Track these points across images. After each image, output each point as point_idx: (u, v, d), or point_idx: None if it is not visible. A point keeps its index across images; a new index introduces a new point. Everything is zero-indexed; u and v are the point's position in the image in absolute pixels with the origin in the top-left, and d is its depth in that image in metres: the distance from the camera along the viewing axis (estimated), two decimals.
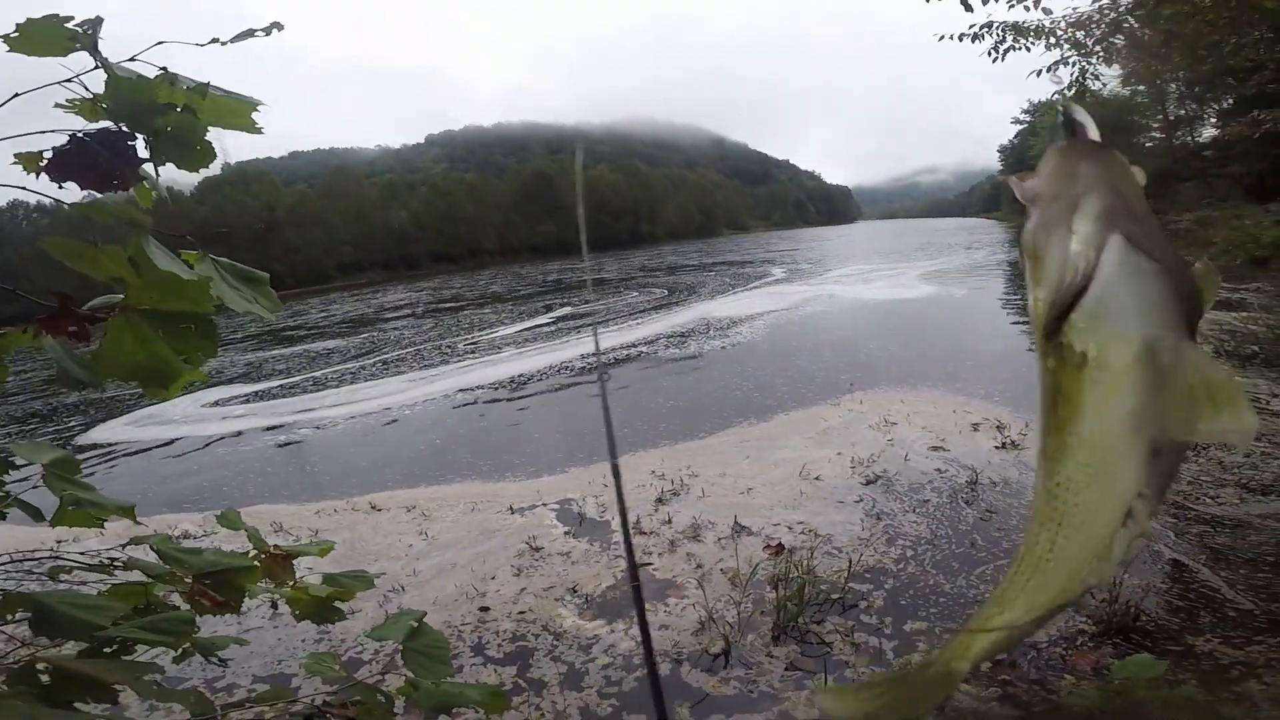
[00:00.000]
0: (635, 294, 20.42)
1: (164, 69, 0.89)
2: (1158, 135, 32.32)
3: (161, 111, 0.90)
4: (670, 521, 4.33)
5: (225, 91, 0.95)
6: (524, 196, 77.58)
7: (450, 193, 74.09)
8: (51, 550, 1.26)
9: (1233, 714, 2.19)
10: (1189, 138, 30.91)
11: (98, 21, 0.84)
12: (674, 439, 6.11)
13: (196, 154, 0.96)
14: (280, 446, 7.55)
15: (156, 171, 0.95)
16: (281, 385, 11.37)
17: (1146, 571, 3.26)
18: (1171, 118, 31.24)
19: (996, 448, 5.08)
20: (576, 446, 6.25)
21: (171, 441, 8.19)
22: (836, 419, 6.24)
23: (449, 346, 13.52)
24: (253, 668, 3.25)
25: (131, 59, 0.88)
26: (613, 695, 2.84)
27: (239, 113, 0.97)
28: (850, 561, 3.55)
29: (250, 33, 0.95)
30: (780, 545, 3.89)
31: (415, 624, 1.21)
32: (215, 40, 0.94)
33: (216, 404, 10.37)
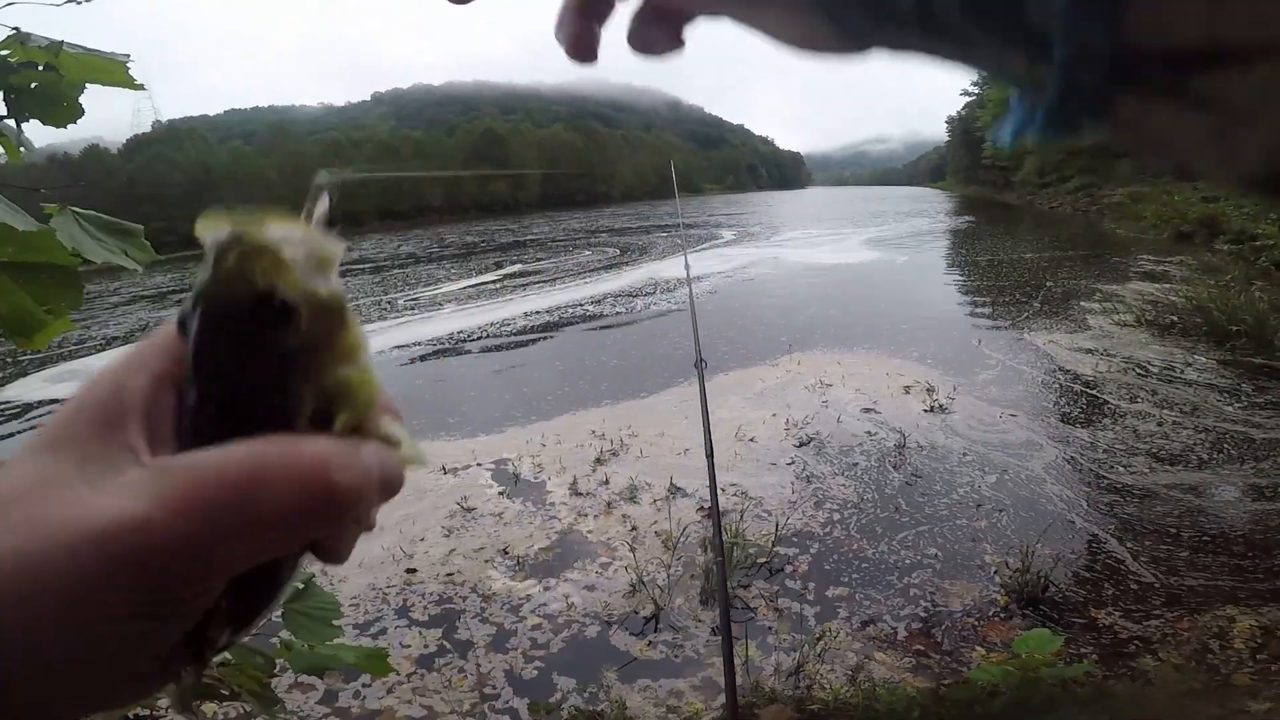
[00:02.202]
0: (588, 253, 20.18)
1: (16, 29, 0.89)
2: None
3: (14, 70, 0.91)
4: (608, 482, 4.33)
5: (87, 50, 0.95)
6: (474, 155, 75.28)
7: (397, 150, 71.39)
8: None
9: (1124, 691, 2.31)
10: None
11: None
12: (615, 398, 6.09)
13: (62, 110, 0.97)
14: None
15: (19, 126, 0.96)
16: None
17: (1058, 541, 3.41)
18: None
19: (925, 411, 5.23)
20: (514, 404, 6.17)
21: None
22: (774, 380, 6.32)
23: (388, 303, 13.11)
24: None
25: None
26: (538, 657, 2.84)
27: (110, 70, 0.98)
28: (778, 525, 3.61)
29: None
30: None
31: (301, 585, 1.15)
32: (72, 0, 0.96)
33: None
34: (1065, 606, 2.95)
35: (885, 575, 3.24)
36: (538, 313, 10.66)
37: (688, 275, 2.74)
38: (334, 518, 0.21)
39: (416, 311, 11.94)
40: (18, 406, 7.78)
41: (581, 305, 11.18)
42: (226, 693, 1.07)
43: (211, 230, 0.22)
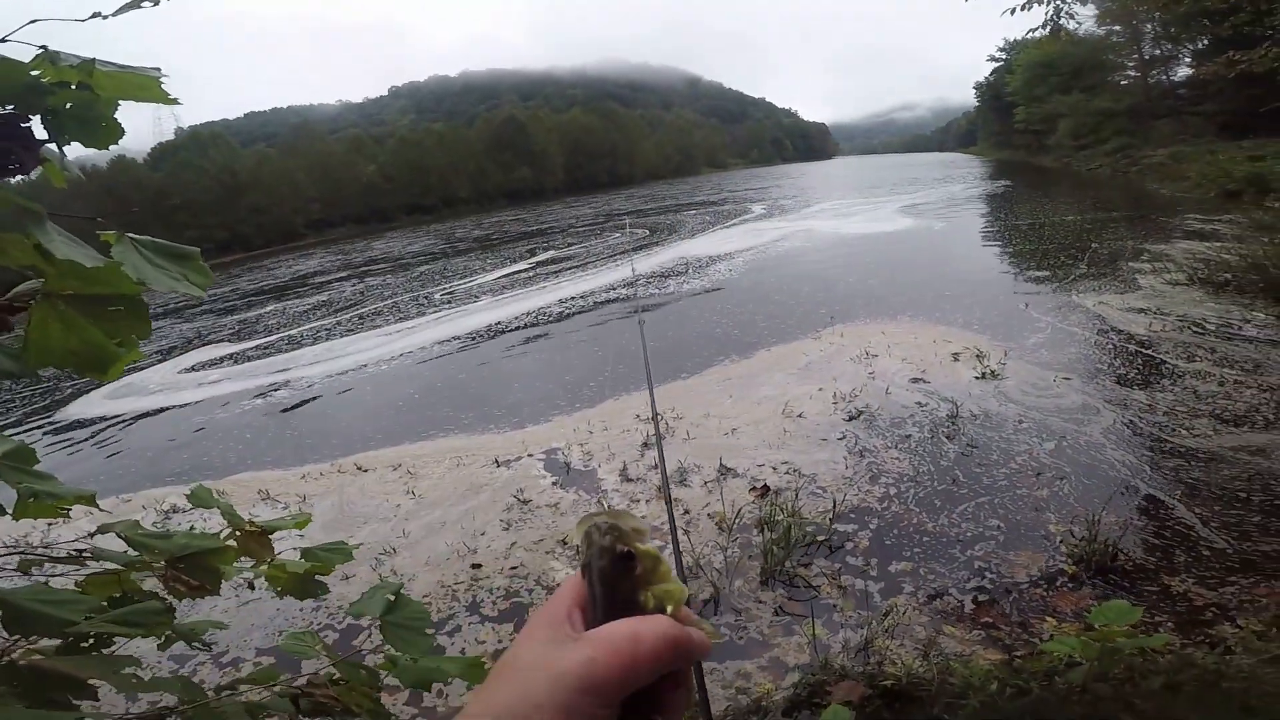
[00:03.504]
0: (617, 235, 20.15)
1: (44, 48, 0.85)
2: (1133, 74, 32.65)
3: (49, 91, 0.87)
4: (656, 467, 4.35)
5: (119, 66, 0.92)
6: (496, 144, 75.28)
7: (419, 143, 71.74)
8: (16, 544, 1.21)
9: (1207, 662, 2.25)
10: (1164, 77, 31.19)
11: None
12: (657, 381, 6.10)
13: (102, 130, 0.93)
14: (260, 411, 7.43)
15: (61, 150, 0.92)
16: (257, 346, 11.16)
17: (1124, 508, 3.33)
18: (1147, 57, 31.38)
19: (976, 378, 5.13)
20: (558, 394, 6.23)
21: (152, 413, 8.04)
22: (818, 353, 6.26)
23: (425, 298, 13.29)
24: (255, 640, 3.26)
25: (1, 40, 0.84)
26: None
27: (144, 85, 0.93)
28: (835, 502, 3.60)
29: (136, 3, 0.89)
30: (766, 487, 3.93)
31: (392, 597, 1.17)
32: (97, 14, 0.89)
33: (193, 369, 10.18)
34: (1136, 574, 2.89)
35: (948, 548, 3.21)
36: (572, 299, 10.71)
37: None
38: (678, 660, 0.39)
39: (453, 305, 12.10)
40: (85, 422, 8.13)
41: (614, 289, 11.19)
42: (340, 710, 1.11)
43: (591, 524, 0.43)
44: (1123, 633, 2.24)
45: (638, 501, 4.00)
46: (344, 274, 21.33)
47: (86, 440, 7.25)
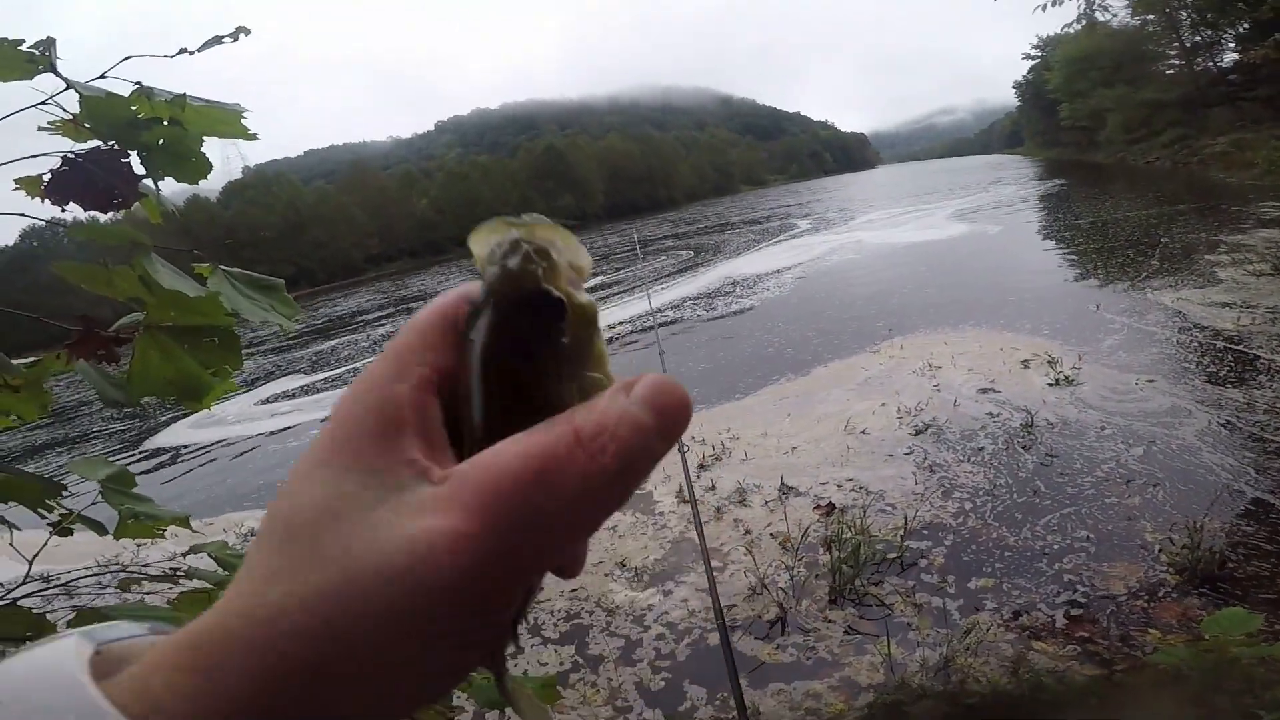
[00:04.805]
0: (662, 257, 20.21)
1: (139, 83, 0.88)
2: (1176, 63, 31.37)
3: (145, 126, 0.91)
4: (714, 488, 4.26)
5: (207, 101, 0.95)
6: (538, 173, 77.17)
7: (466, 176, 74.13)
8: (119, 563, 1.25)
9: None
10: (1210, 63, 29.81)
11: (50, 42, 0.84)
12: (710, 403, 6.01)
13: (191, 165, 0.97)
14: None
15: (157, 186, 0.96)
16: (325, 379, 11.56)
17: (1228, 513, 3.09)
18: (1188, 45, 30.15)
19: (1050, 385, 4.88)
20: None
21: (232, 441, 8.41)
22: (877, 367, 6.07)
23: None
24: None
25: (101, 76, 0.87)
26: (664, 668, 2.81)
27: (227, 121, 0.97)
28: (906, 518, 3.44)
29: (218, 39, 0.93)
30: (830, 505, 3.79)
31: None
32: (184, 50, 0.93)
33: (268, 401, 10.63)
34: (1248, 582, 2.66)
35: (1033, 562, 3.02)
36: (620, 323, 10.74)
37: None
38: (639, 477, 0.20)
39: None
40: (167, 449, 8.56)
41: (662, 312, 11.17)
42: None
43: (489, 238, 0.24)
44: (1240, 642, 2.05)
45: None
46: (393, 309, 21.95)
47: (171, 466, 7.66)
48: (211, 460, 7.79)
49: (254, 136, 1.00)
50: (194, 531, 1.26)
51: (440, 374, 0.23)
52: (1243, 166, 17.02)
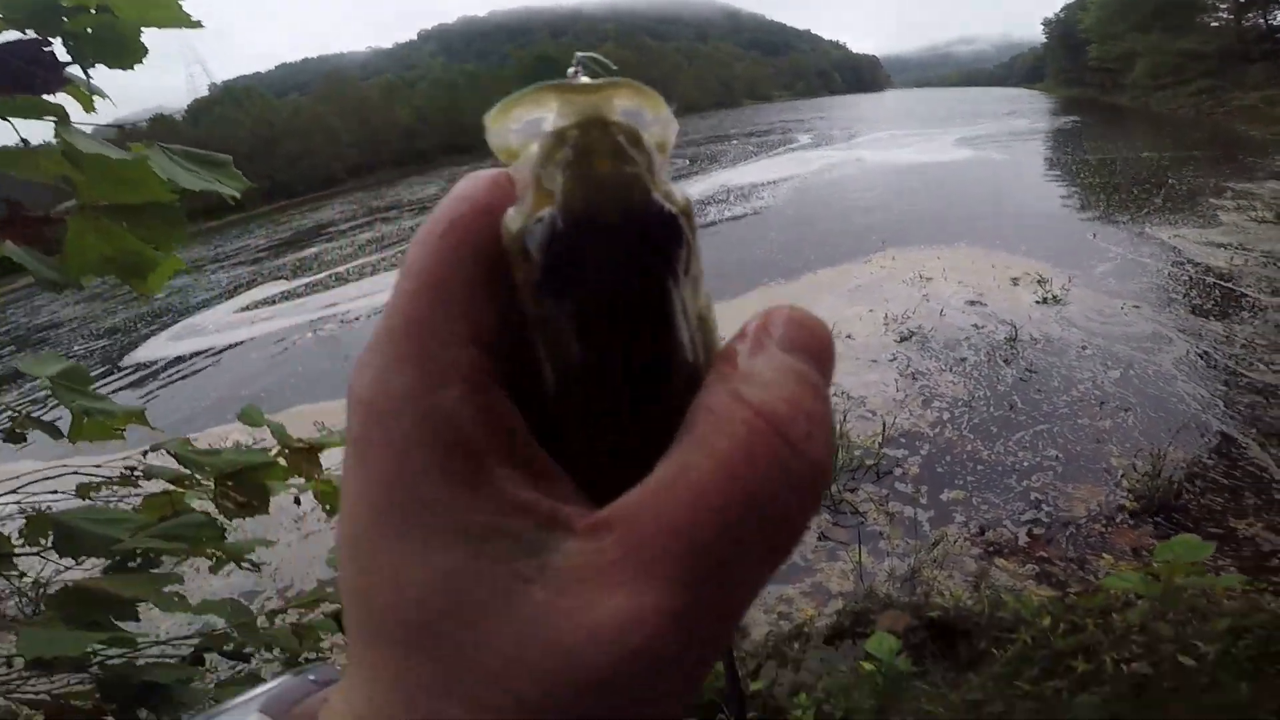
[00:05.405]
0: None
1: None
2: (1225, 16, 29.90)
3: (68, 13, 0.85)
4: None
5: None
6: (531, 81, 73.93)
7: (453, 84, 70.95)
8: (67, 465, 1.23)
9: (1276, 608, 2.11)
10: (1261, 20, 28.44)
11: None
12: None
13: (126, 51, 0.91)
14: (310, 345, 7.61)
15: (86, 74, 0.90)
16: (306, 284, 11.38)
17: (1192, 445, 3.14)
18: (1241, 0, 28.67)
19: (1037, 302, 4.89)
20: None
21: (215, 350, 8.31)
22: (868, 276, 6.05)
23: None
24: (316, 572, 3.33)
25: None
26: None
27: (163, 6, 0.91)
28: (884, 425, 3.50)
29: None
30: None
31: None
32: None
33: (246, 309, 10.47)
34: (1201, 515, 2.74)
35: (1003, 478, 3.10)
36: None
37: None
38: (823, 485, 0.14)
39: None
40: (151, 364, 8.45)
41: None
42: None
43: (535, 114, 0.16)
44: (1187, 569, 2.11)
45: None
46: (366, 218, 21.33)
47: (154, 382, 7.57)
48: (195, 371, 7.73)
49: (197, 24, 0.93)
50: (152, 429, 1.20)
51: (488, 349, 0.15)
52: (1270, 121, 16.53)
